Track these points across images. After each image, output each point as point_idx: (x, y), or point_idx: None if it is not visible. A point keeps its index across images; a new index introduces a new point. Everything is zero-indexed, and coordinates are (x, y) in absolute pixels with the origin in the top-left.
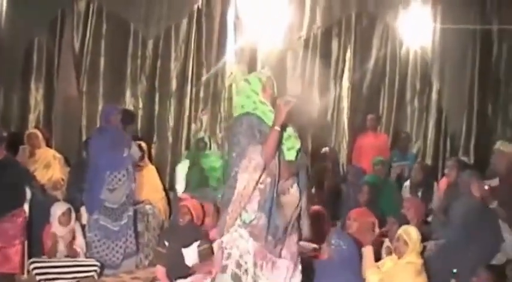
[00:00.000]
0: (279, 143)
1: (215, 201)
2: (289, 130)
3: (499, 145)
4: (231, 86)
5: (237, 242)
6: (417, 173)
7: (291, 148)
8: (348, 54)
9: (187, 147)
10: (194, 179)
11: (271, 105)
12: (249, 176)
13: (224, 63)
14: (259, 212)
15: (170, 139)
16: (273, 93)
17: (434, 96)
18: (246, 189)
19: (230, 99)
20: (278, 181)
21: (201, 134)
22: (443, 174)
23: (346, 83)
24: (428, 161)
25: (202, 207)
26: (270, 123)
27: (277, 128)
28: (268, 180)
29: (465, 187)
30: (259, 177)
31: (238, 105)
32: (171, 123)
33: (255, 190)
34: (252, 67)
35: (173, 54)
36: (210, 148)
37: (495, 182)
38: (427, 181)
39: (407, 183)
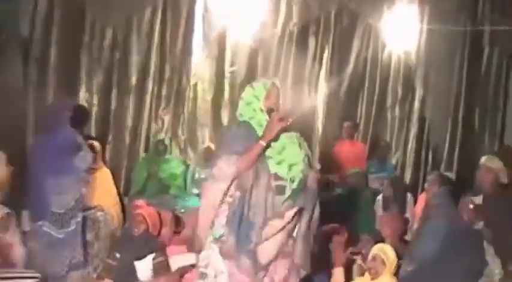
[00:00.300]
0: (259, 157)
1: (174, 210)
2: (286, 141)
3: (485, 160)
4: (196, 84)
5: (211, 260)
6: (387, 188)
7: (281, 161)
8: (326, 55)
9: (146, 150)
10: (152, 188)
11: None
12: (216, 187)
13: (190, 59)
14: (228, 227)
15: (127, 139)
16: (277, 103)
17: (416, 103)
18: (212, 200)
19: (195, 98)
20: (250, 197)
21: (162, 136)
22: (423, 189)
23: (322, 85)
24: (408, 174)
25: (160, 215)
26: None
27: (263, 142)
28: (238, 194)
29: (440, 205)
30: (228, 189)
31: (238, 114)
32: (129, 122)
33: (224, 203)
34: (220, 64)
35: (134, 47)
36: (171, 152)
37: (479, 199)
38: (398, 197)
39: (379, 197)
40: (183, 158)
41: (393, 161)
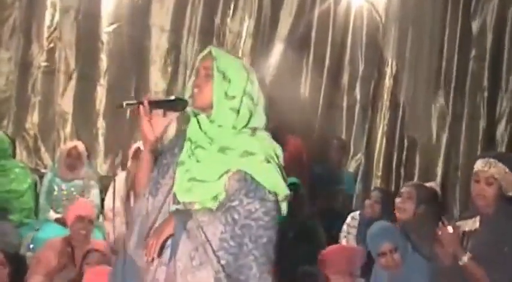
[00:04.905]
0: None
1: (17, 245)
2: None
3: (481, 165)
4: (53, 49)
5: None
6: (372, 207)
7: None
8: (248, 11)
9: None
10: None
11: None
12: None
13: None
14: None
15: None
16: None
17: (386, 82)
18: None
19: (52, 71)
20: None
21: None
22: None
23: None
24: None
25: None
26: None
27: (146, 150)
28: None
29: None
30: None
31: None
32: None
33: None
34: (91, 19)
35: None
36: (13, 155)
37: (473, 224)
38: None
39: (349, 220)
40: (32, 165)
41: (351, 168)
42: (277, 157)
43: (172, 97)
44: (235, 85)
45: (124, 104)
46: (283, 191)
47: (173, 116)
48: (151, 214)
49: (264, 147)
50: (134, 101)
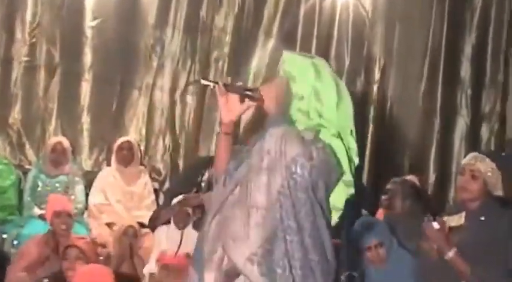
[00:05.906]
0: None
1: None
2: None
3: (470, 160)
4: (34, 43)
5: None
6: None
7: None
8: (234, 6)
9: None
10: None
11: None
12: None
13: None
14: None
15: None
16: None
17: (373, 77)
18: None
19: (34, 67)
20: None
21: None
22: (377, 204)
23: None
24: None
25: None
26: None
27: (221, 132)
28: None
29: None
30: None
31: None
32: None
33: None
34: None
35: None
36: None
37: (459, 219)
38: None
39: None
40: (16, 161)
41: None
42: (349, 149)
43: (250, 86)
44: (300, 84)
45: (201, 81)
46: (346, 170)
47: (250, 104)
48: (219, 201)
49: (336, 127)
50: (211, 80)
